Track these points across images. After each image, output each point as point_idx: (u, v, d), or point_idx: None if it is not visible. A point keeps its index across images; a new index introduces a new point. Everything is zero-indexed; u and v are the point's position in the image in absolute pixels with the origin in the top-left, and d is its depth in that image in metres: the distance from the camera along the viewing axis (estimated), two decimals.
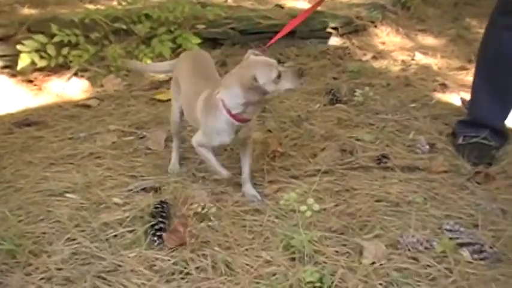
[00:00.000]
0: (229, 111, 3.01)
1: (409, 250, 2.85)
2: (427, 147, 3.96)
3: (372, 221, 3.12)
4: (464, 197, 3.37)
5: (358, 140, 4.06)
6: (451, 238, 2.94)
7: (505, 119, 4.02)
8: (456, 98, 4.86)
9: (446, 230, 3.02)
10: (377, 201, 3.31)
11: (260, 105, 3.24)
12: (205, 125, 3.16)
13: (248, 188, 3.32)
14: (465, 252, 2.85)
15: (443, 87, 5.14)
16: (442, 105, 4.75)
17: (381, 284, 2.63)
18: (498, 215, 3.18)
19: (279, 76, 2.95)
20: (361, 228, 3.06)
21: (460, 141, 3.94)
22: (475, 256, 2.82)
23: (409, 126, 4.31)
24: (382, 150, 3.92)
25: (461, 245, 2.89)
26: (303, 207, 2.92)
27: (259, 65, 2.99)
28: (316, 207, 2.94)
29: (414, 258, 2.81)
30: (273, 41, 3.47)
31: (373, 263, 2.76)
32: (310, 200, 2.95)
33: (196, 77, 3.37)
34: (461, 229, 3.00)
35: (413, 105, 4.75)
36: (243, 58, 3.14)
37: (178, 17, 5.49)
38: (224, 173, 3.25)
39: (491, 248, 2.87)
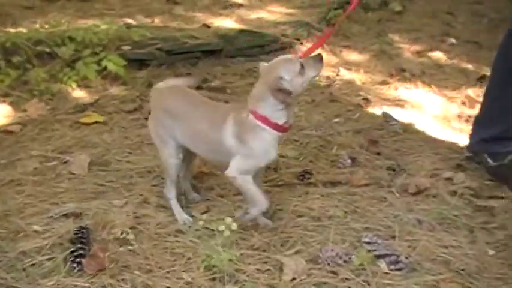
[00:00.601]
0: (274, 125, 2.96)
1: (328, 264, 2.91)
2: (349, 161, 4.06)
3: (293, 236, 3.17)
4: (383, 209, 3.46)
5: (282, 156, 4.11)
6: (369, 250, 3.02)
7: None
8: (378, 111, 5.00)
9: (365, 242, 3.10)
10: (299, 216, 3.36)
11: (294, 103, 3.14)
12: (247, 150, 3.00)
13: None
14: (382, 264, 2.93)
15: (366, 101, 5.28)
16: (364, 119, 4.87)
17: None
18: (415, 225, 3.29)
19: (302, 67, 2.91)
20: (282, 244, 3.10)
21: (492, 162, 3.82)
22: (392, 267, 2.90)
23: (332, 141, 4.40)
24: (306, 166, 3.98)
25: (379, 256, 2.97)
26: (221, 227, 2.94)
27: (280, 64, 2.95)
28: (234, 226, 2.97)
29: (333, 272, 2.87)
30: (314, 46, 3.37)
31: (294, 278, 2.81)
32: (228, 220, 2.97)
33: (201, 108, 3.20)
34: (379, 241, 3.08)
35: (336, 120, 4.85)
36: (257, 72, 3.19)
37: (102, 39, 5.45)
38: (264, 201, 3.09)
39: (406, 258, 2.96)
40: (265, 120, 2.94)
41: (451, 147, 4.37)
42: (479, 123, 4.05)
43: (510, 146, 3.76)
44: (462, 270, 2.89)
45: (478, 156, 3.95)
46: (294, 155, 4.15)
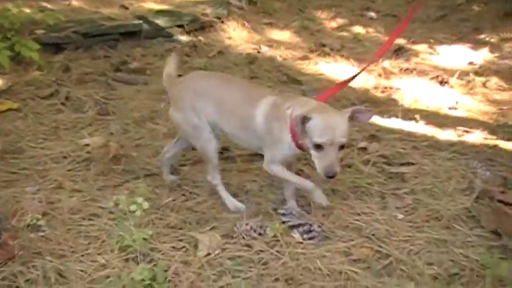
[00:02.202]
0: (292, 131, 2.87)
1: (243, 238, 2.94)
2: None
3: (209, 213, 3.18)
4: None
5: None
6: (283, 222, 3.06)
7: None
8: (298, 87, 5.05)
9: (280, 214, 3.14)
10: (216, 193, 3.37)
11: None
12: (270, 135, 2.96)
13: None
14: (296, 234, 2.98)
15: (287, 77, 5.32)
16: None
17: (214, 274, 2.69)
18: (329, 195, 3.35)
19: (319, 146, 2.74)
20: (198, 221, 3.11)
21: None
22: (305, 236, 2.96)
23: None
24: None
25: (292, 227, 3.02)
26: (133, 207, 2.92)
27: (321, 116, 2.75)
28: (146, 205, 2.95)
29: (248, 245, 2.90)
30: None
31: (208, 254, 2.82)
32: (140, 199, 2.95)
33: (234, 84, 3.22)
34: (293, 212, 3.13)
35: None
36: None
37: (14, 23, 5.26)
38: (308, 183, 3.03)
39: (319, 227, 3.02)
40: (291, 125, 2.85)
41: None
42: None
43: None
44: (373, 235, 2.97)
45: None
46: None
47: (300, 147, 2.88)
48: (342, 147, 2.73)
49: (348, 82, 3.37)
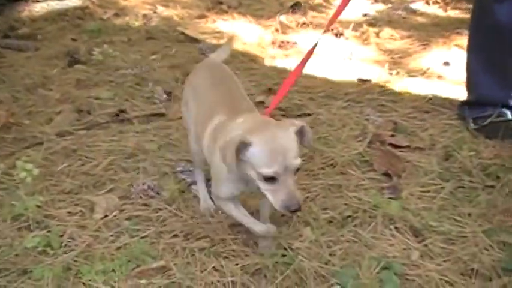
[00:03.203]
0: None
1: (141, 198, 2.91)
2: (165, 96, 4.04)
3: (106, 176, 3.12)
4: None
5: (96, 98, 4.01)
6: (182, 179, 3.05)
7: (509, 93, 3.59)
8: (194, 46, 4.99)
9: (178, 172, 3.12)
10: (113, 155, 3.30)
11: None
12: (212, 162, 2.44)
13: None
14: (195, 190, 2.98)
15: (185, 36, 5.25)
16: (181, 54, 4.85)
17: (111, 235, 2.65)
18: None
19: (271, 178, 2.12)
20: (95, 185, 3.04)
21: (472, 125, 3.57)
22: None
23: (149, 78, 4.34)
24: (121, 106, 3.91)
25: (191, 184, 3.01)
26: (23, 174, 2.82)
27: (264, 141, 2.13)
28: (36, 171, 2.86)
29: (146, 205, 2.88)
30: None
31: (105, 216, 2.78)
32: (29, 165, 2.85)
33: (214, 95, 2.63)
34: (191, 168, 3.12)
35: (153, 57, 4.79)
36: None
37: None
38: (260, 227, 2.48)
39: None
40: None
41: (266, 72, 4.50)
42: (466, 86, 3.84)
43: (488, 111, 3.58)
44: None
45: (464, 119, 3.70)
46: (109, 96, 4.06)
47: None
48: (297, 170, 2.14)
49: (300, 68, 2.80)
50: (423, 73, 4.49)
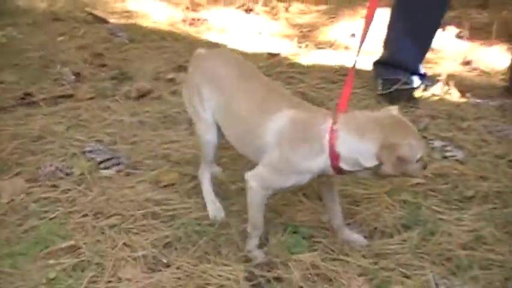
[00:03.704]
0: (334, 157, 2.15)
1: (49, 180, 2.86)
2: (73, 77, 3.98)
3: (12, 159, 3.05)
4: (107, 118, 3.46)
5: (1, 82, 3.89)
6: (92, 158, 3.02)
7: (422, 61, 3.77)
8: (103, 27, 4.90)
9: (88, 152, 3.09)
10: (20, 139, 3.22)
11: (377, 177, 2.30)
12: (282, 159, 2.24)
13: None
14: (104, 170, 2.95)
15: (93, 17, 5.14)
16: (89, 35, 4.76)
17: (19, 219, 2.60)
18: (138, 127, 3.35)
19: (417, 160, 2.14)
20: (1, 169, 2.96)
21: (380, 88, 3.67)
22: (113, 169, 2.94)
23: (56, 60, 4.25)
24: (27, 89, 3.81)
25: (100, 162, 2.98)
26: None
27: (413, 134, 2.14)
28: None
29: (54, 186, 2.83)
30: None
31: (12, 200, 2.72)
32: None
33: (255, 88, 2.42)
34: (101, 147, 3.10)
35: (61, 38, 4.68)
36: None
37: None
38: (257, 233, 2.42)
39: (128, 159, 3.02)
40: (333, 149, 2.14)
41: (177, 50, 4.48)
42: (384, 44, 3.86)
43: (398, 75, 3.66)
44: (181, 160, 3.02)
45: (375, 78, 3.81)
46: (14, 80, 3.95)
47: (338, 169, 2.18)
48: None
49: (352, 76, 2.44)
50: (331, 45, 4.61)
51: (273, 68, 4.11)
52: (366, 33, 2.46)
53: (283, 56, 4.34)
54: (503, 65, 4.19)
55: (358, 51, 2.45)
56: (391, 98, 3.60)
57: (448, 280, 2.27)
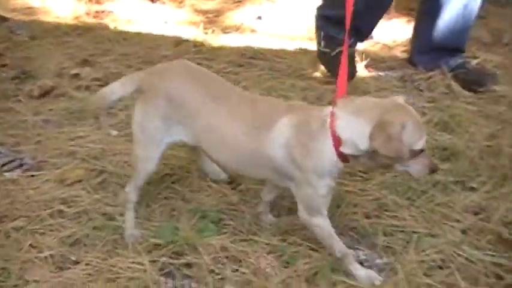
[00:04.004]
0: (336, 140, 2.07)
1: None
2: None
3: None
4: (10, 120, 3.35)
5: None
6: None
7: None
8: (3, 25, 4.73)
9: None
10: None
11: (371, 167, 2.31)
12: (305, 172, 2.13)
13: None
14: (9, 172, 2.87)
15: None
16: None
17: None
18: (42, 127, 3.27)
19: (421, 151, 2.08)
20: None
21: (323, 45, 3.66)
22: (17, 171, 2.87)
23: None
24: None
25: (3, 165, 2.90)
26: None
27: (412, 119, 2.06)
28: None
29: None
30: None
31: None
32: None
33: (236, 104, 2.26)
34: (3, 150, 3.00)
35: None
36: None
37: None
38: (345, 249, 2.27)
39: (32, 159, 2.95)
40: (334, 131, 2.08)
41: (81, 44, 4.39)
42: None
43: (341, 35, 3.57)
44: (87, 155, 2.98)
45: (317, 31, 3.77)
46: None
47: (345, 159, 2.12)
48: None
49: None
50: (237, 29, 4.63)
51: (180, 55, 4.09)
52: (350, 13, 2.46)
53: (189, 43, 4.32)
54: (403, 37, 4.34)
55: (346, 32, 2.43)
56: (332, 60, 3.59)
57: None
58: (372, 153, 2.04)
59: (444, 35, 3.78)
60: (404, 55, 4.12)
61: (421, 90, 3.64)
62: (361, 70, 3.83)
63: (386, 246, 2.38)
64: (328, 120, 2.08)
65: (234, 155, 2.27)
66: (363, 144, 2.02)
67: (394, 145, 1.97)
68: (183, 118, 2.28)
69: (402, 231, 2.47)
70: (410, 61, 3.97)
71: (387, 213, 2.57)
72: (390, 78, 3.76)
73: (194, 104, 2.26)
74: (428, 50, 3.84)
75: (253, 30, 4.58)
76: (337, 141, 2.06)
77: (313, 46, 4.01)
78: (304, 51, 4.17)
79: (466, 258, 2.30)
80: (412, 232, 2.45)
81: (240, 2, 5.16)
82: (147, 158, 2.38)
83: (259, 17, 4.79)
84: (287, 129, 2.13)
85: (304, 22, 4.51)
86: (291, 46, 4.28)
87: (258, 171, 2.26)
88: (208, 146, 2.30)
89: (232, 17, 4.86)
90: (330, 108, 2.11)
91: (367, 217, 2.54)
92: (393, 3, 4.34)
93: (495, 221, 2.48)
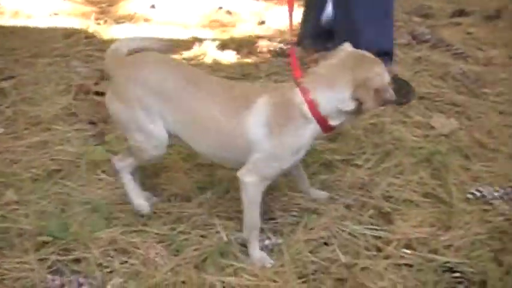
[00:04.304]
0: (321, 119, 2.17)
1: None
2: None
3: None
4: None
5: None
6: None
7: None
8: None
9: None
10: None
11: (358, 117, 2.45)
12: (276, 146, 2.17)
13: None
14: None
15: None
16: None
17: None
18: None
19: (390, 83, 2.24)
20: None
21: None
22: None
23: None
24: None
25: None
26: None
27: (377, 61, 2.21)
28: None
29: None
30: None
31: None
32: None
33: (206, 86, 2.28)
34: None
35: None
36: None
37: None
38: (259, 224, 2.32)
39: None
40: (315, 111, 2.16)
41: None
42: None
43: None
44: None
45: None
46: None
47: (328, 128, 2.23)
48: None
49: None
50: (131, 18, 4.59)
51: (70, 48, 4.02)
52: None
53: (80, 34, 4.24)
54: (294, 22, 4.41)
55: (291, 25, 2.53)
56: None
57: (240, 232, 2.38)
58: (356, 111, 2.17)
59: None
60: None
61: None
62: (253, 56, 3.89)
63: (275, 227, 2.45)
64: (306, 104, 2.15)
65: (210, 141, 2.28)
66: (349, 107, 2.15)
67: (383, 95, 2.15)
68: (163, 106, 2.27)
69: (292, 210, 2.54)
70: (299, 43, 4.06)
71: (277, 193, 2.63)
72: (280, 63, 3.83)
73: (173, 90, 2.26)
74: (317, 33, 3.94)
75: (146, 19, 4.55)
76: (323, 120, 2.17)
77: (205, 34, 4.04)
78: (197, 39, 4.18)
79: (349, 233, 2.40)
80: (301, 211, 2.53)
81: None
82: (154, 146, 2.33)
83: (153, 6, 4.76)
84: (266, 108, 2.18)
85: (198, 10, 4.52)
86: (185, 35, 4.28)
87: (232, 155, 2.28)
88: (187, 135, 2.30)
89: (126, 7, 4.81)
90: (297, 91, 2.18)
91: None
92: None
93: (377, 196, 2.61)
